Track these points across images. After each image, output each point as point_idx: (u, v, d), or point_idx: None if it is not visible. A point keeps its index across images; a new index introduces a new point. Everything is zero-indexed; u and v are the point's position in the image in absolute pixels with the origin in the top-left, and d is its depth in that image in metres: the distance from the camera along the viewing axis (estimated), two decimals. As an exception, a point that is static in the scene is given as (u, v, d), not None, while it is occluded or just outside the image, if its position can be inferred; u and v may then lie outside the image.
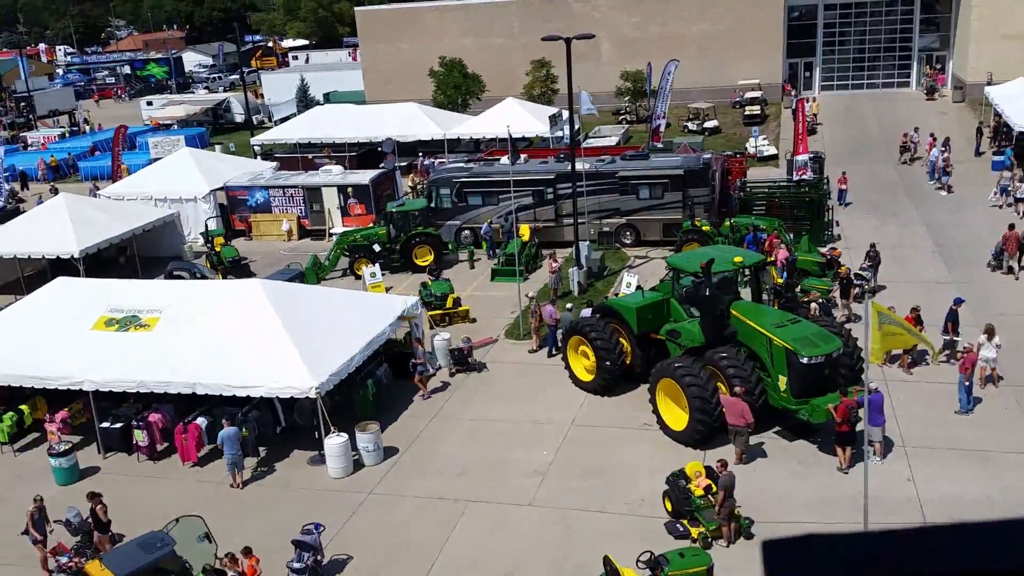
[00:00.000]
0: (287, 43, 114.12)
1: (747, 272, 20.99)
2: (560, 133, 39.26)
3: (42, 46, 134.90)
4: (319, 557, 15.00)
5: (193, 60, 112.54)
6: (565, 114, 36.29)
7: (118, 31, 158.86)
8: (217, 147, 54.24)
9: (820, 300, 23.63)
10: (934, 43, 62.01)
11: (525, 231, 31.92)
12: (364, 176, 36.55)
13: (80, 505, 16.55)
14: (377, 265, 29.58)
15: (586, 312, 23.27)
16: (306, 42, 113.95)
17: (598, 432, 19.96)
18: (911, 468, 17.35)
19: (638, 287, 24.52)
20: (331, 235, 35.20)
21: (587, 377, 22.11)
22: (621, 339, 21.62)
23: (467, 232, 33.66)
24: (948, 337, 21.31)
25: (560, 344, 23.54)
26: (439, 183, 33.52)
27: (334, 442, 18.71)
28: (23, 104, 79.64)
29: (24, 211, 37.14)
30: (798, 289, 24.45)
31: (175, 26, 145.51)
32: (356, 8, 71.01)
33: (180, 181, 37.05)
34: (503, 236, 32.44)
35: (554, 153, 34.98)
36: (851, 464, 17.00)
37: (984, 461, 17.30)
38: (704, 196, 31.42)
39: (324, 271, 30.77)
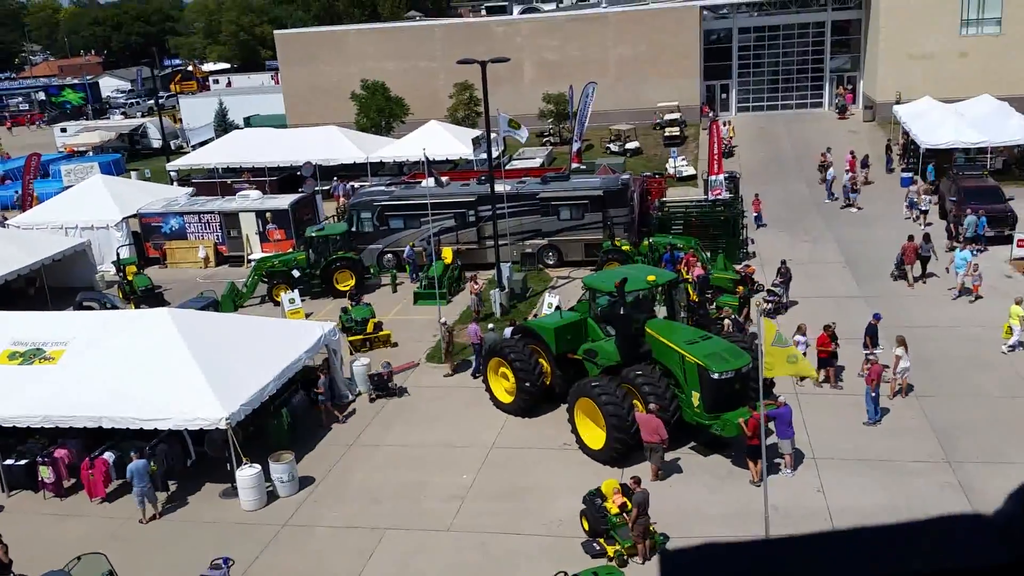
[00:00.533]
0: (208, 67, 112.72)
1: (660, 290, 21.14)
2: (483, 155, 38.65)
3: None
4: (227, 592, 15.22)
5: (111, 85, 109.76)
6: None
7: (33, 56, 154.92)
8: (133, 174, 53.58)
9: (732, 316, 24.10)
10: (845, 64, 63.03)
11: (448, 254, 31.72)
12: (283, 201, 36.15)
13: (-20, 546, 16.38)
14: (296, 291, 29.18)
15: (508, 332, 23.17)
16: (228, 65, 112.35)
17: (518, 454, 19.83)
18: (821, 479, 17.48)
19: (557, 307, 24.51)
20: (249, 261, 34.62)
21: (507, 399, 21.95)
22: (541, 360, 21.55)
23: (389, 256, 33.32)
24: (868, 351, 21.61)
25: (482, 364, 23.42)
26: (360, 207, 33.11)
27: (246, 474, 18.43)
28: (-69, 132, 79.73)
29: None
30: (712, 306, 24.80)
31: (92, 51, 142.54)
32: (276, 31, 69.84)
33: (92, 209, 36.38)
34: (426, 259, 32.23)
35: (477, 175, 34.98)
36: (762, 477, 16.67)
37: (890, 470, 17.52)
38: (623, 216, 31.59)
39: (242, 298, 30.35)
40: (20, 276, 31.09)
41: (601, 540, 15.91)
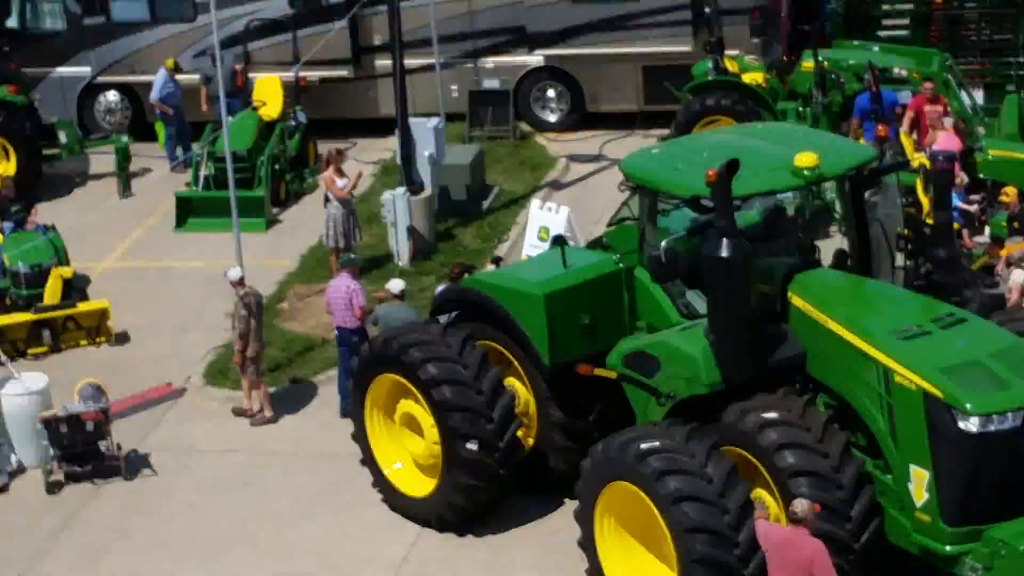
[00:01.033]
0: None
1: (835, 189, 19.58)
2: None
3: None
4: None
5: None
6: None
7: None
8: None
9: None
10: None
11: (269, 90, 32.55)
12: None
13: None
14: None
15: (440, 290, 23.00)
16: None
17: None
18: None
19: (556, 239, 22.23)
20: None
21: (419, 484, 20.54)
22: (510, 381, 20.41)
23: (112, 97, 35.81)
24: None
25: (351, 390, 21.46)
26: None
27: None
28: None
29: None
30: (978, 238, 24.62)
31: None
32: None
33: None
34: (210, 106, 32.57)
35: None
36: None
37: None
38: None
39: None
40: None
41: None
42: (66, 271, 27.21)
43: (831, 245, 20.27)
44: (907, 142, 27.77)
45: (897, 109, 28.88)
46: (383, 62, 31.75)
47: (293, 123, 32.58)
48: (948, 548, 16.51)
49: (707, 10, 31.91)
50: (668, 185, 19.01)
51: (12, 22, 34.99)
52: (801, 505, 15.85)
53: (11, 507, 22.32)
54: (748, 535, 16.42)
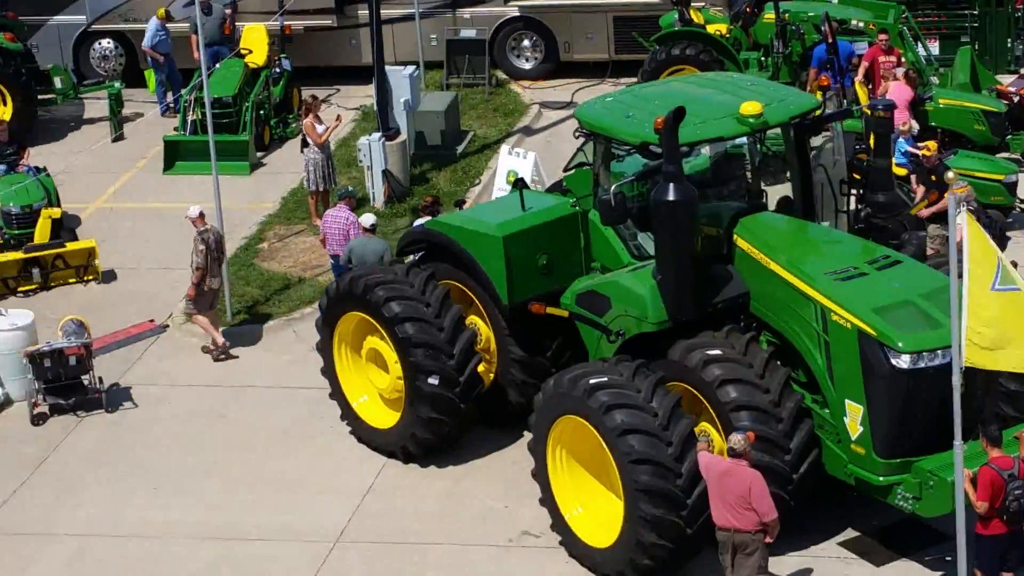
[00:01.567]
0: None
1: (781, 136, 19.46)
2: None
3: None
4: None
5: None
6: None
7: None
8: None
9: (976, 204, 22.62)
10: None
11: (257, 40, 32.01)
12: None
13: None
14: None
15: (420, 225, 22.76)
16: None
17: (405, 555, 18.78)
18: None
19: (518, 181, 22.01)
20: None
21: (385, 416, 20.48)
22: (473, 319, 20.35)
23: (107, 45, 35.04)
24: None
25: (321, 320, 21.33)
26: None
27: None
28: None
29: None
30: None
31: None
32: None
33: None
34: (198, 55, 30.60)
35: None
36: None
37: None
38: None
39: None
40: None
41: None
42: (55, 212, 27.02)
43: (775, 195, 20.30)
44: (861, 91, 27.72)
45: (853, 59, 28.78)
46: (365, 12, 31.30)
47: (278, 70, 32.27)
48: (881, 479, 16.58)
49: None
50: (619, 132, 18.87)
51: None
52: (739, 438, 15.95)
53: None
54: (690, 466, 16.40)
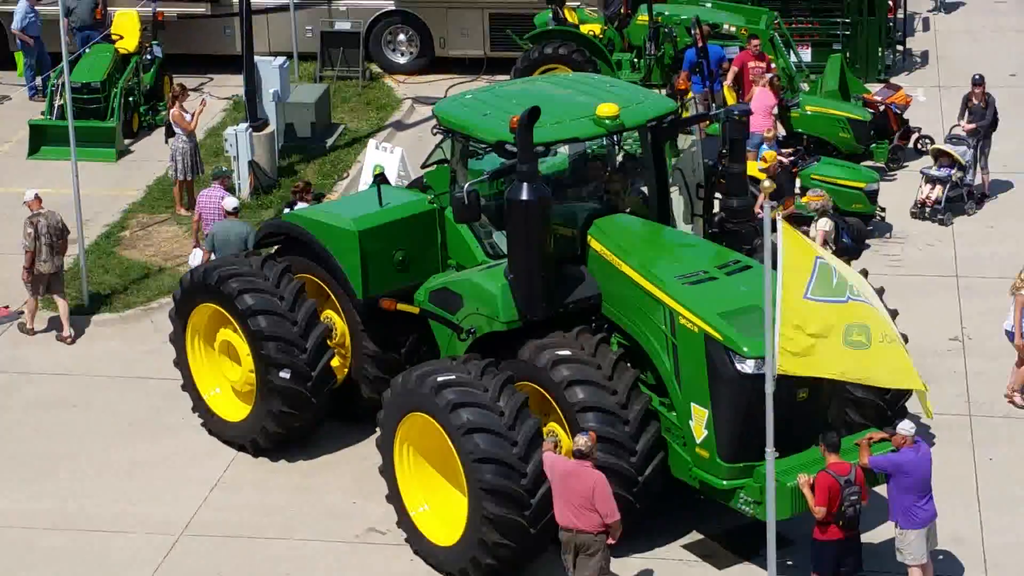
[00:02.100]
0: None
1: (638, 140, 19.57)
2: None
3: None
4: None
5: None
6: None
7: None
8: None
9: (832, 209, 23.22)
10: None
11: (128, 24, 31.58)
12: None
13: None
14: None
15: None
16: None
17: (248, 550, 18.56)
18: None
19: (377, 178, 21.73)
20: None
21: (236, 409, 20.29)
22: (329, 313, 20.21)
23: None
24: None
25: (174, 310, 21.05)
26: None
27: None
28: None
29: None
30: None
31: None
32: None
33: None
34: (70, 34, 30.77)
35: None
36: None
37: None
38: None
39: None
40: None
41: None
42: None
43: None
44: (730, 96, 27.89)
45: (724, 64, 28.96)
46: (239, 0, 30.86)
47: (149, 57, 31.77)
48: (724, 483, 16.62)
49: None
50: (476, 130, 18.80)
51: None
52: (583, 440, 15.93)
53: None
54: (535, 466, 16.38)
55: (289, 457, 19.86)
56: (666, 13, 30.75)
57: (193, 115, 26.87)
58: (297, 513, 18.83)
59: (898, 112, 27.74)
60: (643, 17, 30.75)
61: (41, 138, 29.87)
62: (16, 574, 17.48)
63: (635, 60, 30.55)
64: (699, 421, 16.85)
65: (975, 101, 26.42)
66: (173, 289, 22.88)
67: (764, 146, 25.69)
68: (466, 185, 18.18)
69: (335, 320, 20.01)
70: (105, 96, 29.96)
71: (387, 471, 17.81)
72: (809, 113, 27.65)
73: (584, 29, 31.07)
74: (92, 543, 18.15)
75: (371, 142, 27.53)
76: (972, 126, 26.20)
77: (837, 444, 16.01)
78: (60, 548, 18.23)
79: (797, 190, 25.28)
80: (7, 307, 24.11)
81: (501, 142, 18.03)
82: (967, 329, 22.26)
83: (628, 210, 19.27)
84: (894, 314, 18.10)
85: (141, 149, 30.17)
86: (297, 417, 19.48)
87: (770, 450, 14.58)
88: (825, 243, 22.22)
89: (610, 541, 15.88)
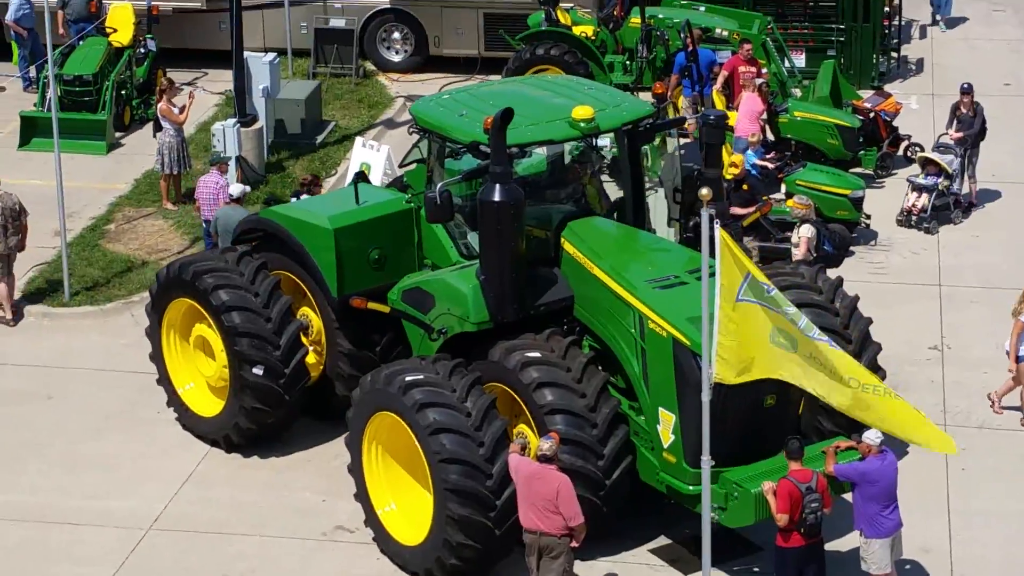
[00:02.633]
0: None
1: (613, 142, 19.43)
2: None
3: None
4: None
5: None
6: None
7: None
8: None
9: (808, 215, 23.20)
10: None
11: (122, 17, 31.32)
12: None
13: None
14: None
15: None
16: None
17: (217, 546, 18.51)
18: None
19: (356, 176, 21.62)
20: None
21: (210, 404, 20.24)
22: (305, 310, 20.14)
23: None
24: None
25: (150, 304, 21.11)
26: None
27: None
28: None
29: None
30: (776, 195, 25.18)
31: None
32: None
33: None
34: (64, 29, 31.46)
35: None
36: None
37: None
38: None
39: None
40: None
41: None
42: None
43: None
44: (719, 100, 27.75)
45: (715, 68, 28.79)
46: (235, -5, 30.74)
47: (143, 51, 31.70)
48: (690, 488, 16.53)
49: None
50: (451, 130, 18.75)
51: None
52: (547, 443, 15.87)
53: None
54: (501, 467, 16.35)
55: (262, 453, 19.78)
56: (659, 16, 30.64)
57: (182, 109, 26.79)
58: (267, 509, 18.76)
59: (887, 119, 27.55)
60: (636, 20, 30.62)
61: (32, 130, 29.80)
62: (-21, 566, 17.37)
63: (627, 63, 30.37)
64: (666, 425, 16.74)
65: (963, 110, 26.26)
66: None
67: (749, 152, 25.58)
68: (438, 185, 18.13)
69: (312, 318, 19.98)
70: (97, 89, 29.86)
71: (355, 469, 17.76)
72: (798, 119, 27.52)
73: (577, 31, 30.85)
74: (58, 536, 18.07)
75: (358, 140, 27.50)
76: (960, 135, 26.02)
77: (799, 451, 15.93)
78: (26, 541, 18.14)
79: (782, 195, 25.19)
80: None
81: (476, 143, 17.95)
82: (947, 338, 22.15)
83: (604, 213, 19.19)
84: (867, 322, 18.14)
85: (132, 143, 30.02)
86: (269, 414, 19.41)
87: (706, 458, 14.52)
88: (808, 251, 22.18)
89: (574, 544, 15.78)
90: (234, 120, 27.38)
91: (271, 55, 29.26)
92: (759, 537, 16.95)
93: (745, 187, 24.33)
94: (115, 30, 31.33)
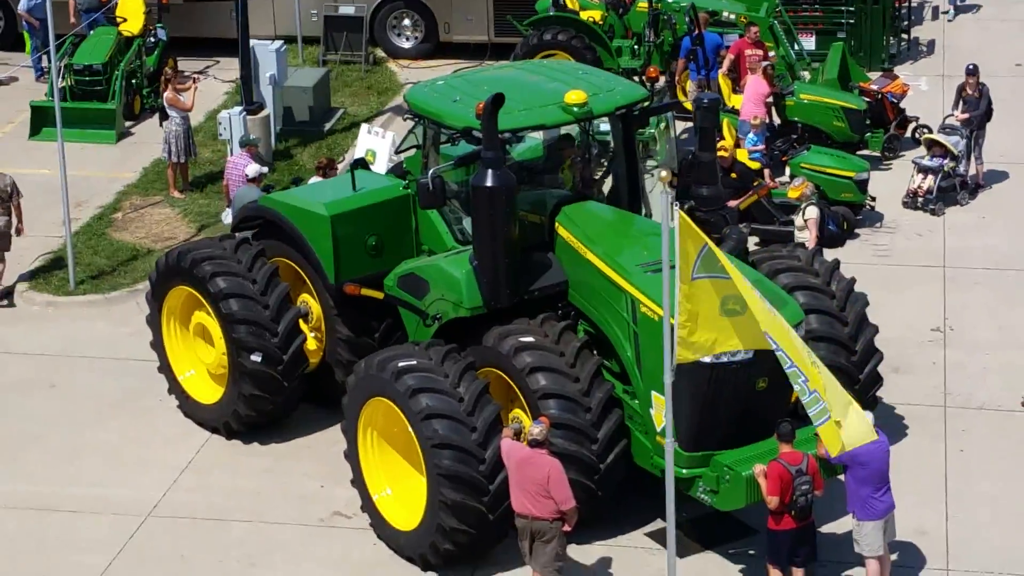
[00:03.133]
0: None
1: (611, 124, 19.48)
2: None
3: None
4: None
5: None
6: None
7: None
8: None
9: (811, 197, 23.30)
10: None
11: (132, 7, 31.46)
12: None
13: None
14: None
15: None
16: None
17: (213, 533, 18.47)
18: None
19: (355, 163, 21.55)
20: None
21: (210, 391, 20.22)
22: (304, 297, 20.12)
23: None
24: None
25: (150, 292, 21.13)
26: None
27: None
28: None
29: None
30: (782, 178, 25.22)
31: None
32: None
33: None
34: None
35: None
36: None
37: None
38: None
39: None
40: None
41: None
42: None
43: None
44: (725, 84, 27.63)
45: (722, 51, 28.65)
46: (247, -17, 30.68)
47: (153, 40, 31.72)
48: (684, 471, 16.47)
49: None
50: (444, 116, 18.67)
51: None
52: (537, 428, 15.81)
53: None
54: (494, 453, 16.29)
55: (261, 440, 19.75)
56: (666, 0, 30.45)
57: (190, 96, 26.85)
58: (265, 496, 18.75)
59: (894, 101, 27.39)
60: (643, 4, 30.48)
61: (43, 119, 29.81)
62: (-22, 554, 17.38)
63: (635, 47, 30.21)
64: (659, 409, 16.65)
65: (969, 91, 26.09)
66: (159, 272, 22.63)
67: (751, 135, 25.46)
68: (431, 171, 18.05)
69: (312, 305, 19.97)
70: (107, 78, 29.88)
71: (351, 455, 17.73)
72: (804, 102, 27.37)
73: (584, 15, 30.72)
74: (57, 524, 18.07)
75: (363, 126, 27.43)
76: (965, 116, 25.86)
77: (790, 434, 15.85)
78: (24, 528, 18.15)
79: (787, 178, 25.09)
80: None
81: (469, 128, 17.88)
82: (950, 320, 22.03)
83: (599, 197, 19.12)
84: (864, 304, 18.11)
85: (141, 131, 30.01)
86: (268, 400, 19.38)
87: (670, 440, 14.53)
88: (818, 232, 22.17)
89: (566, 528, 15.73)
90: (240, 108, 27.30)
91: (278, 43, 29.21)
92: (754, 520, 16.84)
93: (733, 175, 24.13)
94: (125, 19, 31.29)
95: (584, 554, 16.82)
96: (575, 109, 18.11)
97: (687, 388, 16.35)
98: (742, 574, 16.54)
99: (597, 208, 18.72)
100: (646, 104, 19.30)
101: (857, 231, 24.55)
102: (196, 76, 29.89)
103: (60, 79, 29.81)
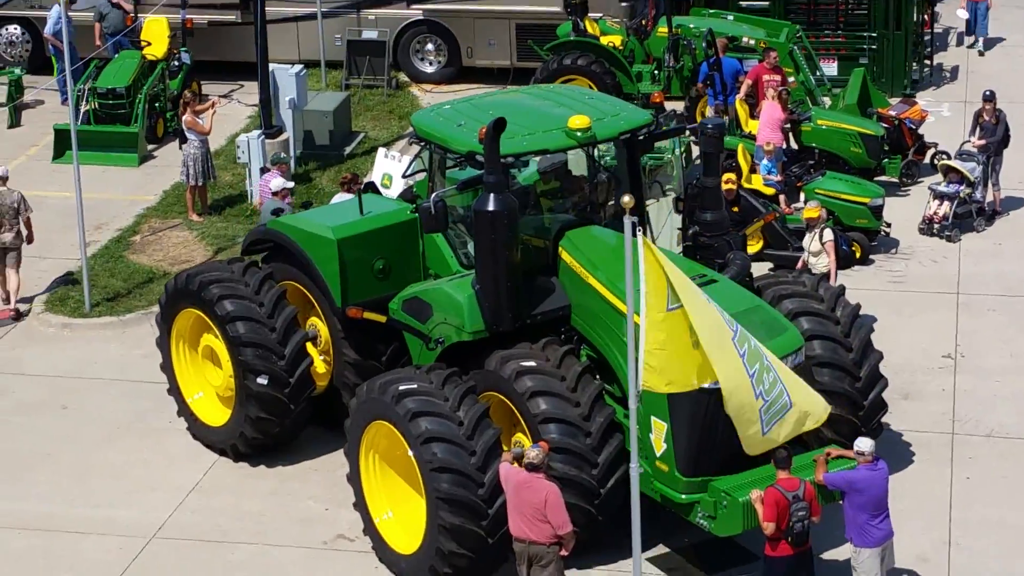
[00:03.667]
0: None
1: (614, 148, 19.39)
2: None
3: None
4: None
5: None
6: None
7: None
8: None
9: (825, 223, 22.95)
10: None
11: (157, 31, 31.75)
12: None
13: None
14: None
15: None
16: None
17: (215, 554, 18.50)
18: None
19: (366, 187, 21.72)
20: None
21: (218, 414, 20.20)
22: (313, 320, 20.09)
23: None
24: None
25: (160, 315, 21.09)
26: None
27: None
28: None
29: None
30: (796, 204, 25.06)
31: None
32: None
33: None
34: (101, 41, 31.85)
35: None
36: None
37: None
38: None
39: None
40: None
41: None
42: None
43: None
44: (742, 109, 27.50)
45: (740, 77, 28.53)
46: (270, 8, 30.82)
47: (177, 64, 31.76)
48: (683, 496, 16.45)
49: None
50: (449, 141, 18.65)
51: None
52: (535, 452, 15.78)
53: None
54: (493, 476, 16.27)
55: (268, 462, 19.74)
56: (687, 25, 30.40)
57: (208, 119, 26.96)
58: (270, 518, 18.75)
59: (912, 127, 27.20)
60: (663, 29, 30.45)
61: (67, 142, 29.86)
62: (-18, 575, 17.45)
63: (655, 72, 30.15)
64: (659, 434, 16.55)
65: (986, 117, 25.91)
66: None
67: (765, 161, 25.35)
68: (433, 195, 18.04)
69: (320, 328, 19.92)
70: (130, 102, 29.96)
71: (354, 478, 17.69)
72: (822, 127, 27.23)
73: (604, 40, 30.65)
74: (62, 545, 18.08)
75: (380, 151, 27.42)
76: (982, 142, 25.66)
77: (786, 460, 15.73)
78: (30, 549, 18.15)
79: (803, 204, 24.97)
80: (15, 310, 24.04)
81: (472, 153, 17.84)
82: (961, 347, 21.84)
83: (604, 222, 19.02)
84: (869, 330, 18.03)
85: (164, 155, 30.01)
86: (275, 423, 19.36)
87: (634, 465, 14.47)
88: (836, 257, 22.07)
89: (563, 552, 15.64)
90: (258, 132, 27.37)
91: (298, 67, 29.23)
92: (757, 546, 16.73)
93: (736, 209, 23.97)
94: (149, 43, 31.43)
95: (583, 580, 16.69)
96: (578, 134, 18.07)
97: (686, 412, 16.31)
98: (743, 600, 16.46)
99: (600, 233, 18.68)
100: (651, 129, 19.21)
101: (872, 257, 24.43)
102: (215, 99, 29.88)
103: (84, 102, 29.97)
